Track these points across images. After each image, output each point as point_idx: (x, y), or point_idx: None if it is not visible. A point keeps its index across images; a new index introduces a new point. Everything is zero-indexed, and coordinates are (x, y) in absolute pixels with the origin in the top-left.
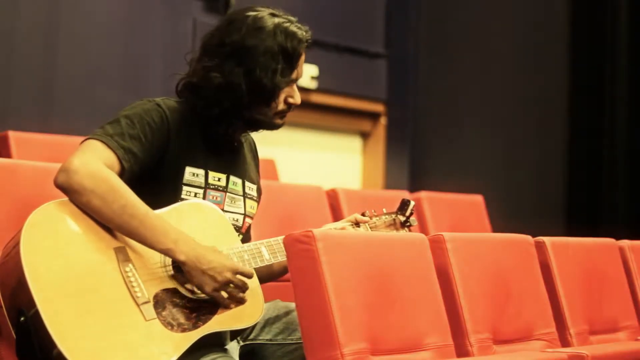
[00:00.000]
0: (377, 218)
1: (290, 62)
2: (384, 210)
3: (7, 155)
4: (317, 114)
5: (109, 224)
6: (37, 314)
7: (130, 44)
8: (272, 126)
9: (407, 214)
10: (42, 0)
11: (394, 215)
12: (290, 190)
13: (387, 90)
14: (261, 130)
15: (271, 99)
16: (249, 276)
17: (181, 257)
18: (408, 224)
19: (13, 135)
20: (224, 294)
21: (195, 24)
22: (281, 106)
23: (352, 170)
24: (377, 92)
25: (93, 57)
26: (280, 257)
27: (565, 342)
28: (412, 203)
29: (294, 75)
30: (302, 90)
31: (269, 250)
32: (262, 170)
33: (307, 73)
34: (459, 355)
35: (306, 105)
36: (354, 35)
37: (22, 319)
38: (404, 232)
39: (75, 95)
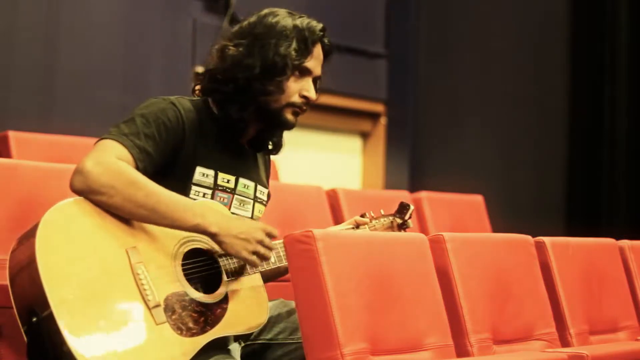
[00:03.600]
0: (377, 221)
1: (304, 44)
2: (382, 212)
3: (7, 155)
4: (317, 114)
5: (133, 217)
6: (50, 316)
7: (130, 43)
8: (283, 121)
9: (406, 217)
10: (42, 0)
11: (391, 218)
12: (291, 190)
13: (387, 90)
14: (273, 126)
15: (281, 75)
16: (275, 235)
17: (212, 229)
18: (405, 226)
19: (13, 135)
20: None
21: (195, 24)
22: (295, 98)
23: (352, 170)
24: (377, 92)
25: (93, 57)
26: (285, 261)
27: (565, 342)
28: (412, 207)
29: (308, 63)
30: None
31: (274, 254)
32: None
33: None
34: (459, 355)
35: None
36: (354, 35)
37: (34, 319)
38: (402, 233)
39: (75, 95)
